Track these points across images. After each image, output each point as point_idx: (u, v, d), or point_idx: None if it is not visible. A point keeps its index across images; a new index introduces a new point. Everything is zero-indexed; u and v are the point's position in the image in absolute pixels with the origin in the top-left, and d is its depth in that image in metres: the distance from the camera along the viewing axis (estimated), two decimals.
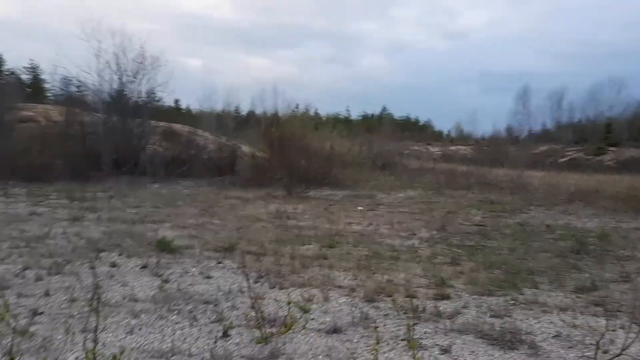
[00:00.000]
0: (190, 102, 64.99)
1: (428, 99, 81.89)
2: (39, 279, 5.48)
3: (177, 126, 26.71)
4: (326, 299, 5.16)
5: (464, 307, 5.07)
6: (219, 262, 6.77)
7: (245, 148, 25.73)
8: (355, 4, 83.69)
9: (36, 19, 61.47)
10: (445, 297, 5.39)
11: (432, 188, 18.92)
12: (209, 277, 5.99)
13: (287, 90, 51.59)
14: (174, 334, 4.10)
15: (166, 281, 5.67)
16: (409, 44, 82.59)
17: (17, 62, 56.79)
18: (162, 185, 17.45)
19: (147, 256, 6.79)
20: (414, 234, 9.49)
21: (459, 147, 52.77)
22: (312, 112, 38.19)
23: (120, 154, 20.78)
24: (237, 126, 34.11)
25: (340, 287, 5.69)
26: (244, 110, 45.62)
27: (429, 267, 6.74)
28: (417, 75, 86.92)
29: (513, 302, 5.29)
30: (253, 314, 4.53)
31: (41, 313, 4.41)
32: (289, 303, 3.86)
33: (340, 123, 36.96)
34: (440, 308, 4.97)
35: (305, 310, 4.51)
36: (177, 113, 40.11)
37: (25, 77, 46.79)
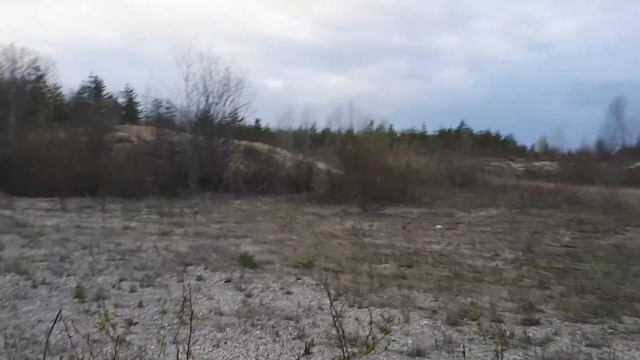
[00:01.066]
0: (270, 121, 67.26)
1: (510, 113, 78.42)
2: (133, 290, 5.86)
3: (257, 144, 27.69)
4: (407, 320, 5.06)
5: (555, 334, 4.76)
6: (298, 278, 6.87)
7: (321, 165, 26.11)
8: (434, 18, 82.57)
9: (132, 46, 66.83)
10: (535, 323, 5.09)
11: (515, 206, 18.03)
12: (289, 293, 6.09)
13: (362, 107, 51.90)
14: (257, 349, 4.21)
15: (249, 295, 5.84)
16: (490, 56, 79.86)
17: (114, 86, 61.94)
18: (243, 201, 18.10)
19: (231, 270, 7.04)
20: (498, 255, 9.08)
21: (544, 162, 49.92)
22: (387, 128, 38.05)
23: (205, 171, 21.88)
24: (313, 144, 34.77)
25: (421, 308, 5.55)
26: (320, 128, 46.33)
27: (515, 290, 6.40)
28: (499, 89, 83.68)
29: (611, 330, 4.88)
30: (334, 332, 4.55)
31: (136, 323, 4.70)
32: (370, 323, 3.82)
33: (417, 139, 36.47)
34: (530, 334, 4.69)
35: (387, 331, 4.44)
36: (257, 132, 41.56)
37: (121, 100, 50.88)
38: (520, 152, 61.87)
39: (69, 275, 6.35)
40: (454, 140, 43.31)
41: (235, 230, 10.89)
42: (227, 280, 6.56)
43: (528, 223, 13.56)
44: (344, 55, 79.50)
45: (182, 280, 6.45)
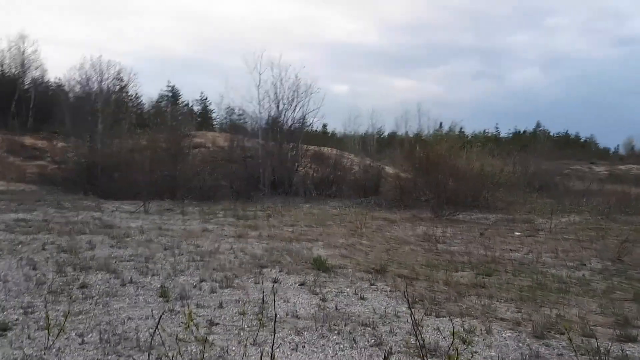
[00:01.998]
0: (337, 125, 67.63)
1: (590, 113, 73.63)
2: (213, 291, 6.05)
3: (325, 149, 27.92)
4: (489, 332, 4.84)
5: None
6: (372, 284, 6.79)
7: (389, 169, 25.84)
8: (506, 16, 79.43)
9: (207, 56, 69.87)
10: (632, 340, 4.69)
11: (600, 212, 16.84)
12: (363, 299, 6.04)
13: (431, 109, 50.77)
14: (335, 354, 4.19)
15: (324, 300, 5.85)
16: (567, 54, 75.52)
17: (190, 94, 64.96)
18: (313, 205, 18.27)
19: (305, 274, 7.10)
20: (584, 264, 8.51)
21: (631, 165, 46.37)
22: (457, 131, 36.97)
23: (276, 175, 22.37)
24: (380, 148, 34.50)
25: (502, 319, 5.30)
26: (387, 131, 45.90)
27: (606, 303, 5.95)
28: (577, 87, 78.86)
29: None
30: (413, 341, 4.44)
31: (217, 324, 4.85)
32: (453, 333, 3.69)
33: (490, 141, 35.09)
34: (628, 352, 4.33)
35: (468, 342, 4.28)
36: (324, 137, 41.94)
37: (196, 107, 53.27)
38: (603, 154, 57.89)
39: (153, 275, 6.68)
40: (530, 142, 41.20)
41: (307, 234, 11.00)
42: (302, 284, 6.62)
43: (616, 231, 12.61)
44: (411, 58, 78.42)
45: (258, 283, 6.59)
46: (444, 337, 4.62)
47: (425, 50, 76.61)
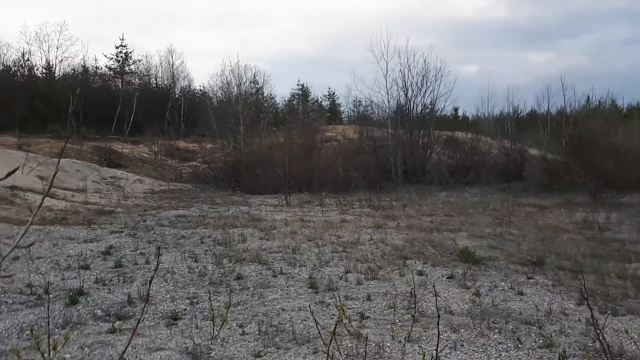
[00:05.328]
0: (467, 108, 64.33)
1: None
2: (359, 282, 6.01)
3: (458, 134, 26.62)
4: None
5: None
6: (529, 277, 6.20)
7: (533, 151, 23.75)
8: None
9: (331, 52, 71.23)
10: None
11: None
12: (521, 294, 5.52)
13: (575, 83, 45.40)
14: (499, 355, 3.84)
15: (477, 294, 5.47)
16: None
17: (319, 91, 67.02)
18: (449, 193, 17.53)
19: (452, 266, 6.74)
20: None
21: None
22: (609, 105, 32.67)
23: (408, 164, 21.93)
24: (517, 129, 31.90)
25: None
26: (524, 110, 42.25)
27: None
28: None
29: None
30: (590, 343, 3.91)
31: (367, 317, 4.77)
32: None
33: None
34: None
35: None
36: (456, 121, 40.06)
37: (325, 103, 54.70)
38: None
39: (300, 266, 6.86)
40: None
41: (448, 224, 10.51)
42: (450, 277, 6.28)
43: None
44: (548, 29, 71.16)
45: (403, 275, 6.41)
46: (629, 340, 3.99)
47: (562, 20, 68.83)
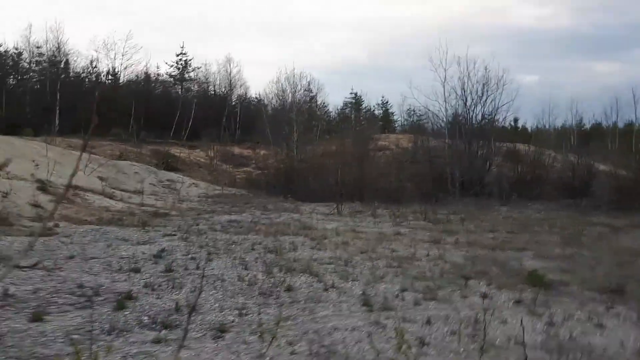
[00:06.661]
0: (527, 119, 61.78)
1: None
2: (417, 303, 5.58)
3: (520, 146, 25.43)
4: None
5: None
6: (610, 307, 5.55)
7: (602, 166, 22.24)
8: None
9: (385, 60, 70.59)
10: None
11: None
12: (601, 326, 4.92)
13: None
14: None
15: (550, 324, 4.91)
16: None
17: (371, 99, 66.69)
18: (510, 208, 16.63)
19: (519, 290, 6.16)
20: None
21: None
22: None
23: (465, 176, 21.08)
24: (582, 142, 30.13)
25: None
26: (589, 123, 39.87)
27: None
28: None
29: None
30: None
31: (427, 344, 4.35)
32: None
33: None
34: None
35: None
36: (515, 132, 38.43)
37: (378, 112, 54.15)
38: None
39: (353, 280, 6.50)
40: None
41: (511, 242, 9.83)
42: (517, 301, 5.73)
43: None
44: (615, 39, 67.17)
45: (465, 296, 5.91)
46: None
47: (633, 28, 64.66)
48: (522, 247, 9.24)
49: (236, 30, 67.31)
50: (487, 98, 22.29)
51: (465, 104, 22.56)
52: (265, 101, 34.35)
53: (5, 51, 36.10)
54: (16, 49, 36.12)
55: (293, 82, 27.22)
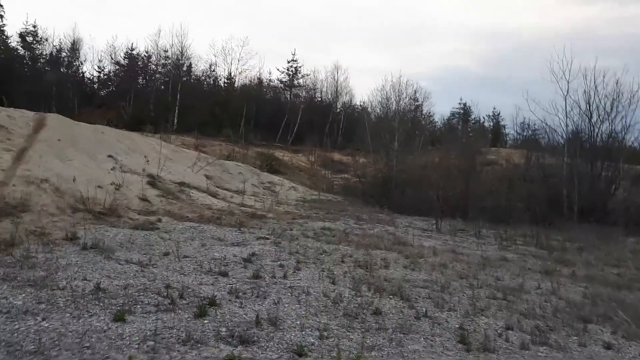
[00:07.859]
0: None
1: None
2: (523, 346, 4.81)
3: None
4: None
5: None
6: None
7: None
8: None
9: (499, 71, 66.94)
10: None
11: None
12: None
13: None
14: None
15: None
16: None
17: (481, 111, 63.55)
18: (639, 240, 14.54)
19: None
20: None
21: None
22: None
23: (584, 200, 18.95)
24: None
25: None
26: None
27: None
28: None
29: None
30: None
31: None
32: None
33: None
34: None
35: None
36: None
37: (488, 124, 51.38)
38: None
39: (449, 310, 5.85)
40: None
41: None
42: None
43: None
44: None
45: (584, 345, 5.01)
46: None
47: None
48: None
49: (346, 37, 68.08)
50: (616, 114, 19.90)
51: (590, 120, 20.34)
52: (369, 108, 34.10)
53: (137, 54, 39.86)
54: (147, 52, 39.77)
55: (398, 89, 26.60)
